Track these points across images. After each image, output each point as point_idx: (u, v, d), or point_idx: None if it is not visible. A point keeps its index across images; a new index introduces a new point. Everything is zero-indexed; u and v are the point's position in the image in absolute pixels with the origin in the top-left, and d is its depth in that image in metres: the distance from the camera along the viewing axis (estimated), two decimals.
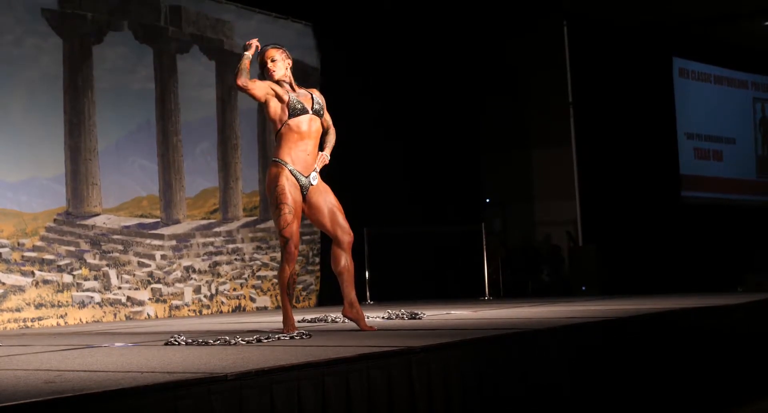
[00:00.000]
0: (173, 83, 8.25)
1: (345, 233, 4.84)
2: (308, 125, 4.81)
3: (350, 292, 4.84)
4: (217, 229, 8.54)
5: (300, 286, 9.11)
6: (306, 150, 4.80)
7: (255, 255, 8.81)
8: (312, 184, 4.81)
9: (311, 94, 4.92)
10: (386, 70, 10.15)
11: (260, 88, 4.77)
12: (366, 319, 4.92)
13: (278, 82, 4.84)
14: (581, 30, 11.33)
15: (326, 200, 4.85)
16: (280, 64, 4.85)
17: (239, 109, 8.80)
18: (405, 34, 10.41)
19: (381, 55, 10.12)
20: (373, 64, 9.99)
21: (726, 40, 12.84)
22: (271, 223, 7.95)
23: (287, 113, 4.77)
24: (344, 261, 4.83)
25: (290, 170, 4.76)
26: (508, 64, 11.43)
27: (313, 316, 6.13)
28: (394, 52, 10.26)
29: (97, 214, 7.58)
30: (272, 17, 9.12)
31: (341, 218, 4.85)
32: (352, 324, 4.95)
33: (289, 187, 4.74)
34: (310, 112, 4.82)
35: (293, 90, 4.87)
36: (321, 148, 4.93)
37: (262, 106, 4.94)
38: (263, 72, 4.88)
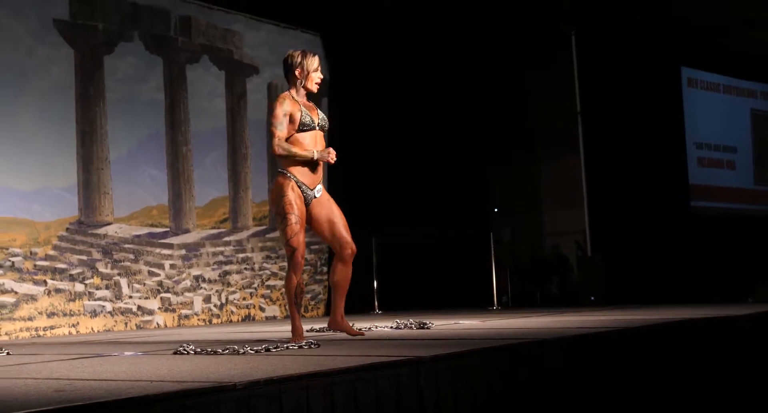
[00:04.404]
0: (183, 93, 8.29)
1: (346, 245, 4.86)
2: (313, 141, 4.83)
3: (340, 304, 4.91)
4: (226, 238, 8.56)
5: (308, 296, 9.12)
6: (311, 164, 4.83)
7: (264, 265, 8.83)
8: (316, 197, 4.84)
9: (316, 108, 4.96)
10: (396, 79, 10.17)
11: (286, 122, 4.78)
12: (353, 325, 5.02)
13: (294, 96, 4.86)
14: (589, 39, 11.33)
15: (329, 212, 4.87)
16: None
17: (248, 119, 8.83)
18: (415, 45, 10.43)
19: (391, 65, 10.15)
20: (383, 73, 10.01)
21: (734, 49, 12.81)
22: None
23: (297, 127, 4.80)
24: (340, 273, 4.87)
25: (296, 181, 4.79)
26: (516, 72, 11.43)
27: (322, 326, 6.14)
28: (404, 61, 10.28)
29: (109, 223, 7.61)
30: (281, 28, 9.16)
31: (343, 230, 4.87)
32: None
33: (294, 198, 4.77)
34: (316, 127, 4.86)
35: (306, 102, 4.91)
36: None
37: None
38: (303, 80, 4.85)
